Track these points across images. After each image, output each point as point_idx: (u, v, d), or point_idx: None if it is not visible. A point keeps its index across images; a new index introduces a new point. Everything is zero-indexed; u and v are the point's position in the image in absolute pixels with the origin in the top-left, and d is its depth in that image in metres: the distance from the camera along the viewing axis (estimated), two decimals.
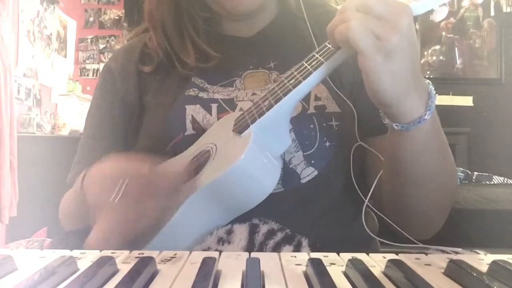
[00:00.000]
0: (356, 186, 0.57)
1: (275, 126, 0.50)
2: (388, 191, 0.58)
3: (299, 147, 0.58)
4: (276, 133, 0.51)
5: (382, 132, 0.58)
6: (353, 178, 0.57)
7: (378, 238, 0.58)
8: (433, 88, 0.47)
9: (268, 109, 0.49)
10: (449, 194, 0.58)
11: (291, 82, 0.50)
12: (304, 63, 0.50)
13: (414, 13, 0.45)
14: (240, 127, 0.51)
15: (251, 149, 0.46)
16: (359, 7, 0.43)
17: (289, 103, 0.49)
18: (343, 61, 0.48)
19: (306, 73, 0.48)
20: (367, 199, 0.55)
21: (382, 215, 0.58)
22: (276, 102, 0.49)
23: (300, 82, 0.48)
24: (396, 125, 0.47)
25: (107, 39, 3.72)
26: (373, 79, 0.43)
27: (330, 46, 0.48)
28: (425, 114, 0.46)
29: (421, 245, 0.51)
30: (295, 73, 0.50)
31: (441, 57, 3.53)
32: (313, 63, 0.49)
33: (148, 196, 0.45)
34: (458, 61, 3.51)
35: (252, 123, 0.50)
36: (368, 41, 0.42)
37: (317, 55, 0.50)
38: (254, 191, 0.47)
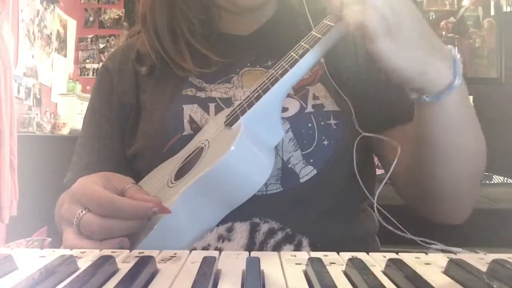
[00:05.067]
0: (360, 181, 0.56)
1: (266, 117, 0.50)
2: (414, 178, 0.56)
3: (298, 146, 0.58)
4: (267, 124, 0.51)
5: (401, 122, 0.57)
6: (357, 173, 0.57)
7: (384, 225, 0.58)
8: (456, 53, 0.45)
9: (257, 99, 0.50)
10: (481, 168, 0.56)
11: (279, 71, 0.50)
12: (291, 52, 0.51)
13: None
14: (231, 120, 0.51)
15: (241, 140, 0.46)
16: None
17: (277, 92, 0.49)
18: (330, 47, 0.49)
19: (292, 61, 0.49)
20: (375, 198, 0.55)
21: (384, 212, 0.58)
22: (264, 92, 0.49)
23: (287, 70, 0.49)
24: (427, 97, 0.45)
25: (107, 38, 3.72)
26: (387, 61, 0.42)
27: (316, 34, 0.49)
28: (455, 80, 0.44)
29: (421, 240, 0.52)
30: (282, 62, 0.51)
31: None
32: (300, 51, 0.50)
33: (112, 217, 0.44)
34: None
35: (242, 115, 0.50)
36: (380, 27, 0.41)
37: (303, 44, 0.50)
38: (246, 183, 0.47)
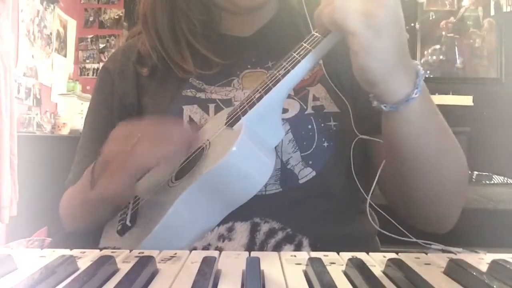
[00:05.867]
0: (358, 183, 0.56)
1: (267, 118, 0.50)
2: (395, 187, 0.57)
3: (297, 147, 0.58)
4: (268, 124, 0.51)
5: None
6: (354, 175, 0.57)
7: (381, 230, 0.58)
8: (421, 68, 0.47)
9: (258, 100, 0.50)
10: (459, 178, 0.56)
11: (280, 72, 0.50)
12: (293, 53, 0.51)
13: None
14: (232, 121, 0.51)
15: (242, 140, 0.46)
16: None
17: (279, 93, 0.49)
18: (330, 48, 0.49)
19: (294, 61, 0.49)
20: (369, 196, 0.55)
21: (382, 213, 0.58)
22: (266, 92, 0.49)
23: (288, 71, 0.49)
24: (385, 106, 0.47)
25: (107, 38, 3.72)
26: (362, 57, 0.43)
27: (317, 34, 0.49)
28: (413, 93, 0.45)
29: (421, 242, 0.52)
30: (284, 63, 0.51)
31: (441, 57, 3.53)
32: (301, 52, 0.50)
33: (160, 138, 0.48)
34: (458, 61, 3.51)
35: (243, 115, 0.50)
36: (355, 19, 0.42)
37: (305, 44, 0.50)
38: (247, 183, 0.47)
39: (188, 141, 0.51)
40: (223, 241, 0.48)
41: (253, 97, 0.51)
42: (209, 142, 0.52)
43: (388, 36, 0.42)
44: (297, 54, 0.50)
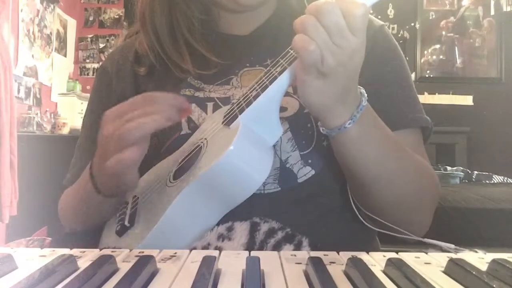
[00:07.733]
0: (348, 184, 0.57)
1: (264, 116, 0.50)
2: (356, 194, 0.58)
3: (296, 146, 0.58)
4: (266, 123, 0.50)
5: (396, 128, 0.57)
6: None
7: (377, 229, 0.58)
8: (364, 100, 0.49)
9: (255, 98, 0.49)
10: (419, 195, 0.58)
11: (277, 69, 0.50)
12: (290, 50, 0.51)
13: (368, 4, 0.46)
14: (229, 119, 0.51)
15: (240, 139, 0.46)
16: (325, 17, 0.43)
17: (276, 91, 0.49)
18: None
19: (291, 59, 0.49)
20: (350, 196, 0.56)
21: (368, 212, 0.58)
22: (262, 90, 0.49)
23: (285, 68, 0.49)
24: (322, 129, 0.50)
25: (107, 38, 3.72)
26: (303, 91, 0.47)
27: None
28: (347, 123, 0.48)
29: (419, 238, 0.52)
30: (281, 60, 0.51)
31: (441, 56, 3.54)
32: None
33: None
34: (458, 60, 3.51)
35: (240, 114, 0.50)
36: (315, 62, 0.43)
37: None
38: (245, 182, 0.47)
39: (178, 102, 0.50)
40: (223, 241, 0.48)
41: (249, 95, 0.51)
42: (207, 141, 0.52)
43: (330, 81, 0.45)
44: (293, 51, 0.49)
